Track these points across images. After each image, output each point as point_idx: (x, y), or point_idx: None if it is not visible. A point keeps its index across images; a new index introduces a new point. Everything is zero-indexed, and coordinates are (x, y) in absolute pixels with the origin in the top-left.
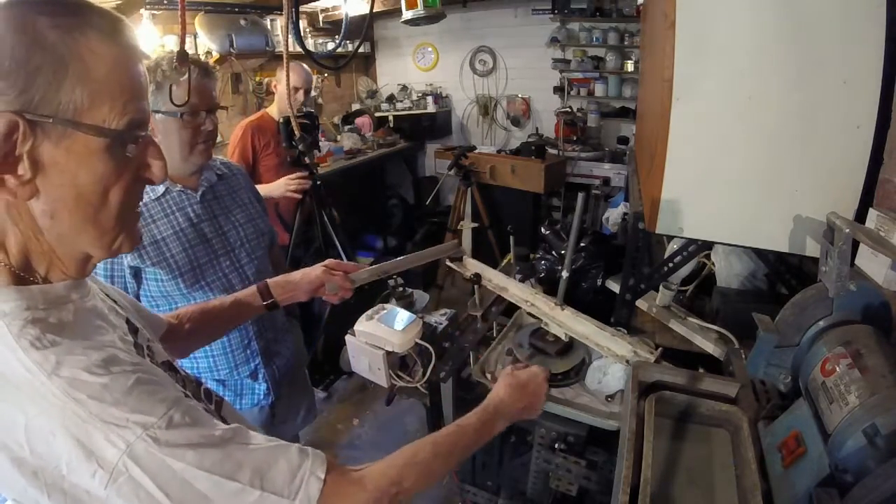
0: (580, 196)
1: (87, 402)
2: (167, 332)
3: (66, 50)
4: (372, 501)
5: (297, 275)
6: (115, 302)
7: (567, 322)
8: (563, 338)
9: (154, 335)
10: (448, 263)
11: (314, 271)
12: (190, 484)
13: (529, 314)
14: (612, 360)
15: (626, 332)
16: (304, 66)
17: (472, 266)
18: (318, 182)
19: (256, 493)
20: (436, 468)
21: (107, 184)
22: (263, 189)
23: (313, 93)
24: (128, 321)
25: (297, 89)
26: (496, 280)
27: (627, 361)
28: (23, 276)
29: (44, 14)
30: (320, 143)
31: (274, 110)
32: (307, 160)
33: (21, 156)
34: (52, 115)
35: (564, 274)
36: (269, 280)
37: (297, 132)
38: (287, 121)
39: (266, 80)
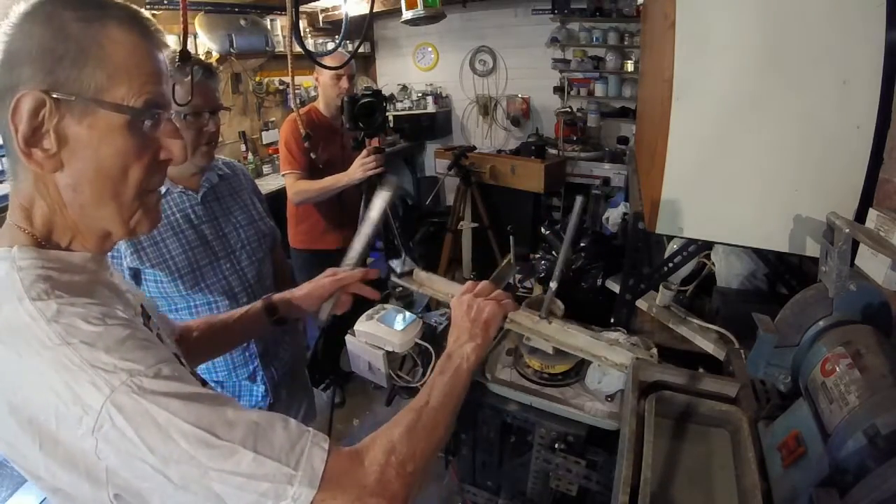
0: (578, 200)
1: (80, 347)
2: (177, 340)
3: (87, 39)
4: (376, 474)
5: (303, 290)
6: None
7: (556, 336)
8: (548, 351)
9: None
10: (394, 279)
11: (323, 282)
12: (173, 440)
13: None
14: (611, 367)
15: (625, 331)
16: (342, 51)
17: (424, 279)
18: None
19: (250, 455)
20: (428, 423)
21: (126, 160)
22: (342, 178)
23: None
24: (142, 307)
25: (339, 76)
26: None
27: (625, 368)
28: (44, 245)
29: (68, 9)
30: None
31: (321, 103)
32: (378, 142)
33: (48, 131)
34: (76, 94)
35: (552, 285)
36: (274, 296)
37: (303, 130)
38: (351, 100)
39: (266, 80)
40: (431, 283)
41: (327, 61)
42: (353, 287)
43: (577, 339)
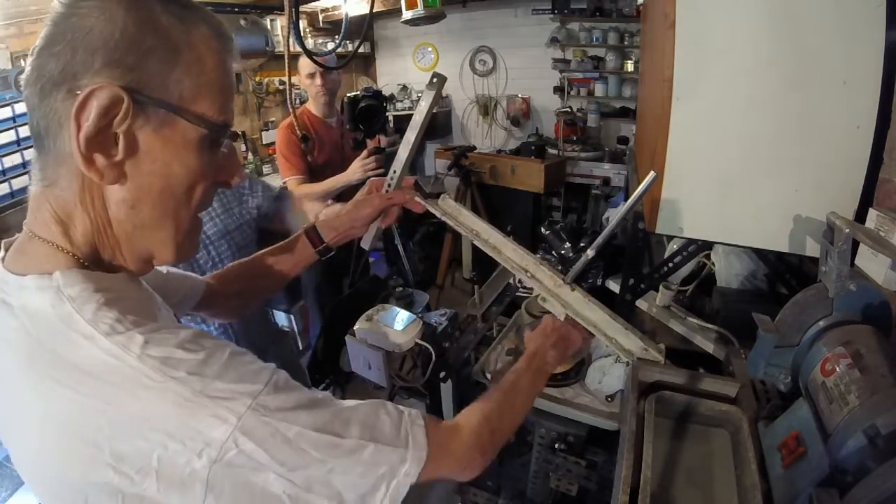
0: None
1: (189, 380)
2: (207, 296)
3: (180, 37)
4: (473, 439)
5: (348, 208)
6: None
7: (574, 304)
8: (560, 318)
9: (189, 301)
10: (418, 199)
11: (369, 199)
12: (304, 450)
13: (523, 287)
14: (618, 352)
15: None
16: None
17: (451, 208)
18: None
19: (371, 447)
20: (514, 404)
21: (193, 179)
22: (341, 178)
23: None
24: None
25: (312, 75)
26: (486, 237)
27: (632, 356)
28: (87, 265)
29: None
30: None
31: (310, 105)
32: (378, 142)
33: (116, 135)
34: (161, 98)
35: (590, 252)
36: (318, 222)
37: (299, 132)
38: (352, 102)
39: (266, 80)
40: (457, 215)
41: (302, 62)
42: (399, 199)
43: (594, 313)
